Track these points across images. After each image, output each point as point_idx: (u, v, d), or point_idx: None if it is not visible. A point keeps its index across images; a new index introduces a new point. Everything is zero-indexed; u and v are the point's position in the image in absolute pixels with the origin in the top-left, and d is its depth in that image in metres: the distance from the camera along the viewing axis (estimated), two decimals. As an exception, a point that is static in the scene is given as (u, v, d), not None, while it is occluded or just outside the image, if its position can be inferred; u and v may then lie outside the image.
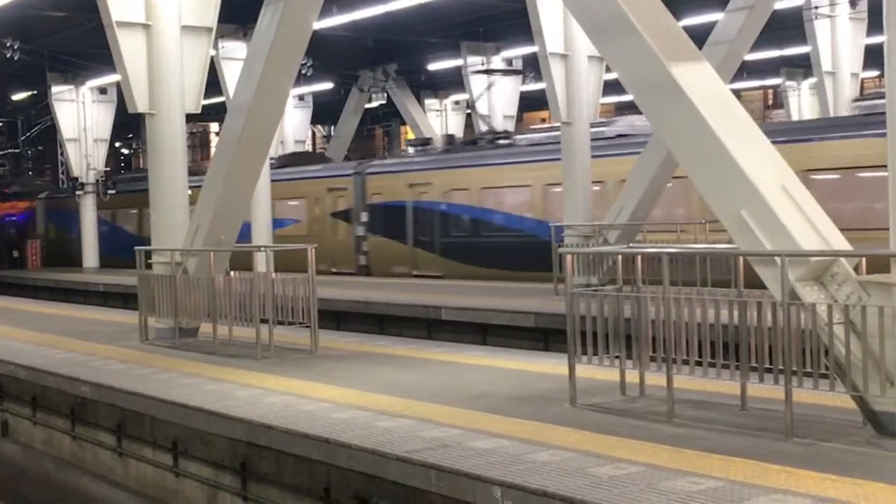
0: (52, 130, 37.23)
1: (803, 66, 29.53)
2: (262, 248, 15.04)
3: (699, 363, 7.94)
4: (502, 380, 10.28)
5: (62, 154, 37.29)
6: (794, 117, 31.62)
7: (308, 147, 39.39)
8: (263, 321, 12.26)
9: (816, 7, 23.75)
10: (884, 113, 7.31)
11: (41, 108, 36.93)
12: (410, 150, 30.60)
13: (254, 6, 13.44)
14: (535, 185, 23.05)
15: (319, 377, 10.80)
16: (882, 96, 11.35)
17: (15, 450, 13.05)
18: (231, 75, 23.52)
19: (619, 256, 9.27)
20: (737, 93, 32.56)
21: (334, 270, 27.80)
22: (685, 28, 8.87)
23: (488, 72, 29.96)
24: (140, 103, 13.83)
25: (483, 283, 22.91)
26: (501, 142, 26.58)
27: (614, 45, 8.73)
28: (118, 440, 10.94)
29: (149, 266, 14.26)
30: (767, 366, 7.55)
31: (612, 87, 23.09)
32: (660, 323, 8.09)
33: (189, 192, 14.44)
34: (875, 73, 32.92)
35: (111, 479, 11.03)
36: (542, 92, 20.03)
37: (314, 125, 44.63)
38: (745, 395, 8.27)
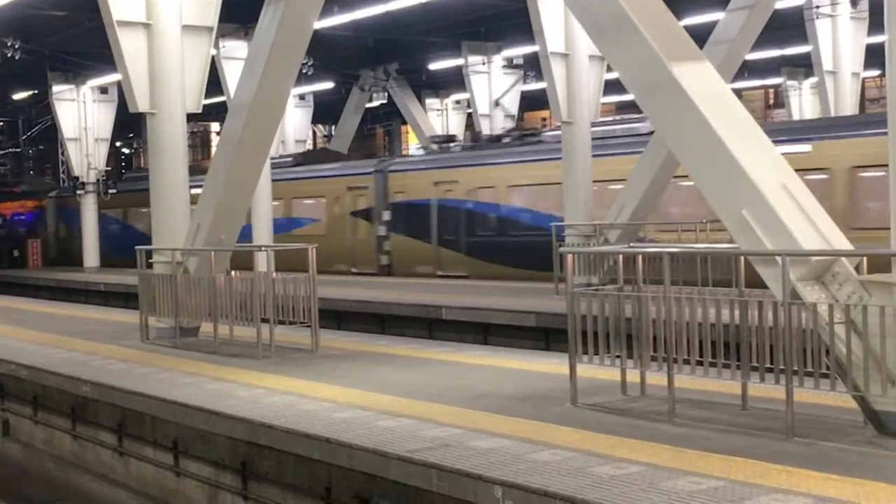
0: (52, 130, 37.23)
1: (804, 66, 29.54)
2: (263, 248, 15.03)
3: (700, 363, 7.94)
4: (503, 379, 10.28)
5: (63, 153, 37.28)
6: (796, 117, 31.62)
7: (309, 146, 39.35)
8: (264, 321, 12.27)
9: (817, 6, 23.75)
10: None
11: (42, 107, 36.93)
12: (434, 147, 30.03)
13: (255, 5, 13.44)
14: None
15: (320, 377, 10.80)
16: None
17: (16, 449, 13.06)
18: (232, 75, 23.52)
19: (620, 256, 9.25)
20: (738, 92, 32.58)
21: (354, 271, 27.40)
22: (686, 27, 8.86)
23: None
24: (141, 103, 13.83)
25: (483, 282, 22.93)
26: (529, 138, 25.96)
27: (615, 44, 8.73)
28: (119, 440, 10.95)
29: (150, 265, 14.26)
30: (768, 365, 7.54)
31: (613, 87, 23.08)
32: (661, 322, 8.09)
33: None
34: (876, 72, 32.92)
35: (112, 478, 11.04)
36: (543, 91, 20.02)
37: (315, 125, 44.64)
38: (745, 394, 8.27)
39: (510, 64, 30.37)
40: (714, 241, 15.26)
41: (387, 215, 27.10)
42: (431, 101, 37.17)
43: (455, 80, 33.26)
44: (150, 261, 14.28)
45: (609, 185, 20.10)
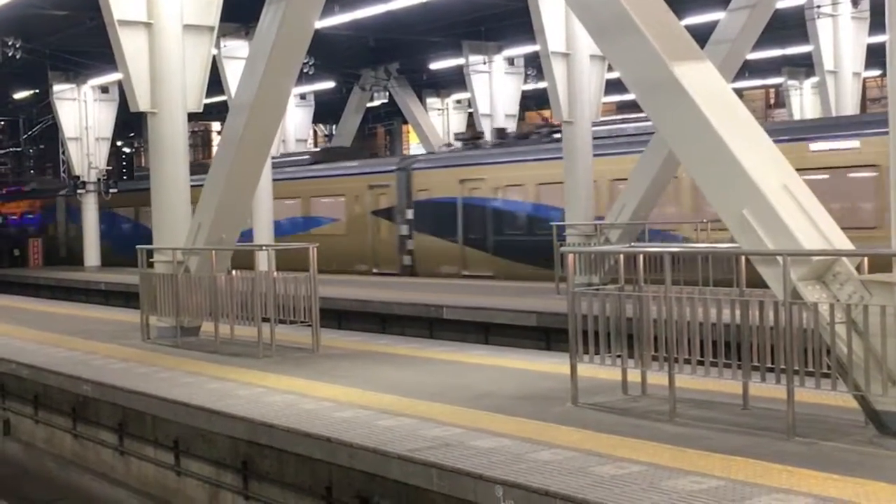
0: (53, 129, 37.24)
1: (805, 66, 29.56)
2: (264, 248, 15.03)
3: (701, 362, 7.94)
4: (504, 379, 10.28)
5: (64, 153, 37.28)
6: (797, 117, 31.62)
7: (310, 146, 39.34)
8: (265, 320, 12.27)
9: (818, 6, 23.75)
10: None
11: (43, 106, 36.93)
12: (459, 144, 29.41)
13: (256, 5, 13.43)
14: (599, 180, 21.13)
15: (321, 376, 10.80)
16: None
17: (17, 448, 13.06)
18: (233, 74, 23.52)
19: (621, 256, 9.25)
20: (739, 92, 32.60)
21: (376, 271, 26.80)
22: (687, 27, 8.87)
23: None
24: (142, 102, 13.83)
25: (484, 282, 22.92)
26: (558, 135, 24.61)
27: (616, 44, 8.73)
28: (120, 439, 10.95)
29: (150, 265, 14.26)
30: (769, 365, 7.54)
31: (613, 86, 23.07)
32: (661, 322, 8.09)
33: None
34: (877, 72, 32.93)
35: (113, 477, 11.04)
36: (544, 91, 20.01)
37: (316, 124, 44.68)
38: (746, 394, 8.27)
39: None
40: (715, 240, 15.26)
41: (410, 214, 26.49)
42: (432, 101, 37.20)
43: (456, 80, 33.28)
44: (150, 260, 14.28)
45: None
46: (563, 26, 18.61)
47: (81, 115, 32.70)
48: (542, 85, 24.69)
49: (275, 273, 12.30)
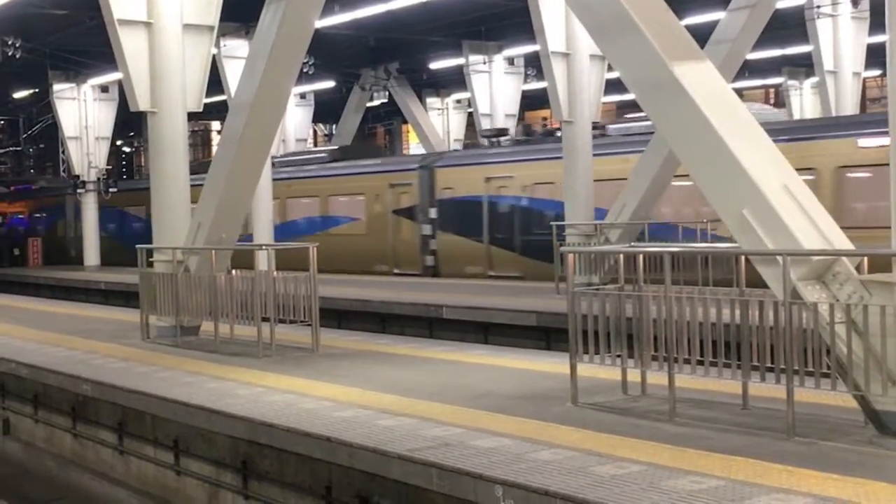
0: (53, 128, 37.22)
1: (805, 66, 29.56)
2: (264, 247, 15.03)
3: (701, 362, 7.94)
4: (504, 379, 10.28)
5: (63, 152, 37.27)
6: (796, 117, 31.61)
7: (309, 145, 39.32)
8: (265, 319, 12.27)
9: (818, 6, 23.75)
10: None
11: (42, 105, 36.92)
12: (484, 141, 28.64)
13: (256, 4, 13.43)
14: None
15: (321, 376, 10.80)
16: None
17: (16, 448, 13.06)
18: (233, 74, 23.53)
19: (621, 255, 9.26)
20: (739, 92, 32.56)
21: (397, 272, 26.16)
22: (687, 27, 8.87)
23: None
24: (142, 101, 13.83)
25: (484, 282, 22.92)
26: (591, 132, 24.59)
27: (616, 43, 8.73)
28: (119, 438, 10.95)
29: (150, 264, 14.27)
30: (769, 365, 7.55)
31: (614, 86, 23.07)
32: (661, 322, 8.09)
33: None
34: (877, 72, 32.93)
35: (112, 477, 11.04)
36: (544, 90, 20.01)
37: (316, 124, 44.66)
38: (746, 394, 8.27)
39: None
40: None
41: (433, 213, 25.79)
42: (432, 101, 37.18)
43: (456, 80, 33.27)
44: (150, 259, 14.28)
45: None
46: (563, 26, 18.62)
47: (81, 114, 32.70)
48: (542, 85, 24.63)
49: (274, 272, 12.30)
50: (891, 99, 7.25)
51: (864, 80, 27.52)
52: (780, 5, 19.59)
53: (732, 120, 7.99)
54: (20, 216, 42.72)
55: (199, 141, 58.10)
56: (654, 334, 8.19)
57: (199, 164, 29.20)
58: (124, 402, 10.69)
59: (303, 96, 33.89)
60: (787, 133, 18.23)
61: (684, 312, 7.96)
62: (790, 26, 25.05)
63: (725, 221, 7.95)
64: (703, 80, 8.16)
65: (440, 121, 36.88)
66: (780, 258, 7.35)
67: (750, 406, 8.26)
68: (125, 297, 25.06)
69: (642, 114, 22.55)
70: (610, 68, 18.91)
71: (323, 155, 30.77)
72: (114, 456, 11.08)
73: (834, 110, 24.06)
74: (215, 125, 53.46)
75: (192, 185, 14.39)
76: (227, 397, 9.72)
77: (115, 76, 29.70)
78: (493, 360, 11.60)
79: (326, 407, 9.05)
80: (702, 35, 14.06)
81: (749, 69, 30.56)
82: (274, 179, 29.80)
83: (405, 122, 40.84)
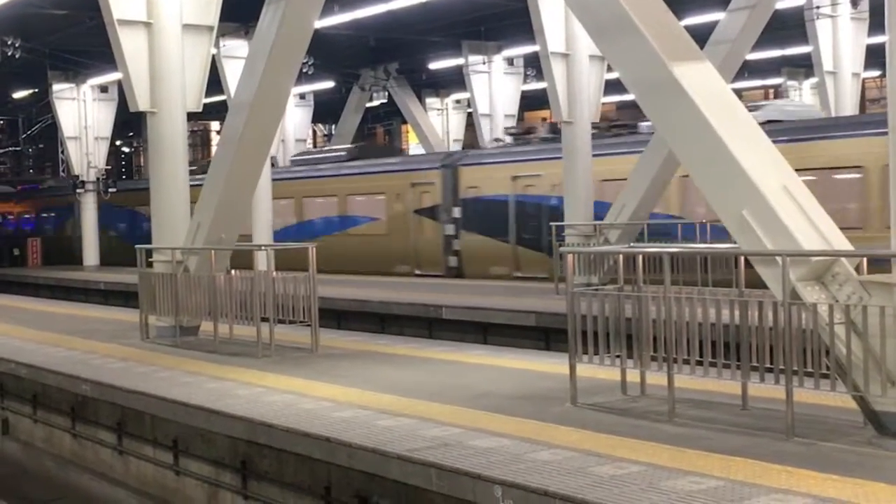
0: (52, 128, 37.21)
1: (804, 66, 29.57)
2: (263, 248, 15.03)
3: (700, 363, 7.94)
4: (503, 379, 10.28)
5: (63, 152, 37.27)
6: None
7: (309, 146, 39.30)
8: (264, 320, 12.27)
9: (818, 7, 23.75)
10: None
11: (42, 106, 36.92)
12: (508, 139, 28.09)
13: (255, 5, 13.44)
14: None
15: (320, 376, 10.80)
16: None
17: (15, 448, 13.06)
18: (232, 74, 23.54)
19: (621, 256, 9.26)
20: (738, 92, 32.54)
21: (418, 273, 25.65)
22: (687, 27, 8.87)
23: None
24: (141, 101, 13.84)
25: (484, 282, 22.90)
26: (621, 129, 23.55)
27: (616, 44, 8.73)
28: (119, 438, 10.95)
29: (150, 264, 14.27)
30: (768, 365, 7.55)
31: (613, 87, 23.07)
32: (661, 322, 8.09)
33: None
34: (876, 73, 32.94)
35: (112, 477, 11.03)
36: (544, 91, 20.02)
37: (315, 124, 44.68)
38: (745, 394, 8.27)
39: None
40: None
41: (456, 213, 25.19)
42: (432, 101, 37.18)
43: (455, 80, 33.27)
44: (150, 260, 14.28)
45: None
46: (563, 27, 18.62)
47: (81, 114, 32.70)
48: (541, 85, 24.62)
49: (274, 273, 12.30)
50: (890, 100, 7.25)
51: (864, 80, 27.52)
52: (779, 6, 19.59)
53: (732, 120, 7.99)
54: (27, 216, 42.61)
55: (199, 141, 58.10)
56: (654, 335, 8.19)
57: (199, 164, 29.15)
58: (123, 403, 10.69)
59: (302, 96, 33.89)
60: (830, 130, 17.97)
61: (684, 313, 7.96)
62: (790, 27, 25.06)
63: (725, 222, 7.95)
64: (702, 80, 8.16)
65: (440, 121, 36.87)
66: (779, 259, 7.35)
67: (749, 406, 8.27)
68: (124, 297, 25.06)
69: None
70: (609, 69, 18.91)
71: (341, 153, 30.34)
72: (113, 456, 11.08)
73: (833, 111, 24.05)
74: (215, 125, 53.45)
75: (191, 186, 14.40)
76: (227, 397, 9.72)
77: (114, 76, 29.70)
78: (492, 360, 11.60)
79: (325, 407, 9.05)
80: (701, 35, 14.06)
81: (749, 70, 30.57)
82: (290, 179, 29.40)
83: (404, 122, 40.83)
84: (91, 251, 34.07)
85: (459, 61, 30.99)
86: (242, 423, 8.86)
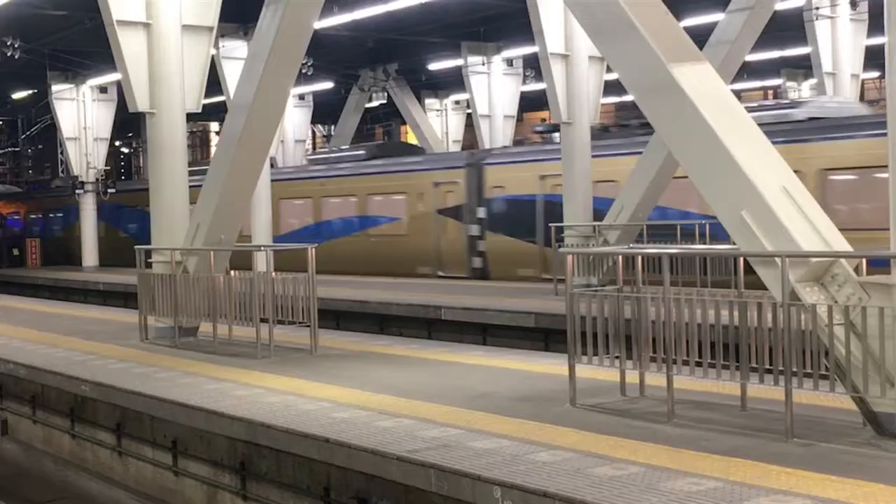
0: (52, 129, 37.20)
1: (804, 67, 29.57)
2: (263, 248, 15.03)
3: (699, 364, 7.95)
4: (502, 380, 10.28)
5: (62, 153, 37.25)
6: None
7: (308, 146, 39.27)
8: (263, 320, 12.27)
9: (817, 8, 23.77)
10: None
11: (41, 106, 36.91)
12: (537, 137, 27.51)
13: (255, 5, 13.44)
14: None
15: (319, 376, 10.80)
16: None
17: (14, 449, 13.05)
18: (232, 74, 23.53)
19: (620, 257, 9.26)
20: (737, 93, 32.60)
21: (441, 274, 25.09)
22: (686, 28, 8.87)
23: None
24: (140, 102, 13.84)
25: (483, 282, 22.90)
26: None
27: (615, 45, 8.73)
28: (118, 439, 10.95)
29: (149, 265, 14.26)
30: (768, 366, 7.55)
31: (613, 88, 23.07)
32: (660, 323, 8.09)
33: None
34: (876, 74, 32.94)
35: (111, 478, 11.03)
36: (543, 92, 20.02)
37: (314, 124, 44.66)
38: (745, 395, 8.28)
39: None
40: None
41: (481, 213, 24.59)
42: (431, 102, 37.15)
43: (454, 81, 33.27)
44: (149, 260, 14.28)
45: None
46: (562, 27, 18.62)
47: (80, 115, 32.70)
48: (540, 86, 24.61)
49: (273, 273, 12.30)
50: (889, 101, 7.25)
51: (863, 81, 27.52)
52: (778, 7, 19.59)
53: (731, 122, 8.00)
54: (37, 215, 42.56)
55: (198, 142, 58.10)
56: (653, 336, 8.19)
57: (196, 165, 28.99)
58: (123, 403, 10.68)
59: (301, 97, 33.86)
60: (881, 126, 17.63)
61: (683, 314, 7.97)
62: (789, 28, 25.06)
63: (724, 223, 7.95)
64: (701, 81, 8.16)
65: (439, 122, 36.87)
66: (778, 260, 7.36)
67: (748, 407, 8.27)
68: (123, 297, 25.05)
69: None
70: (609, 70, 18.91)
71: (360, 152, 29.94)
72: (112, 457, 11.08)
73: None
74: (214, 126, 53.45)
75: (190, 187, 14.40)
76: (226, 398, 9.72)
77: (113, 77, 29.71)
78: (491, 361, 11.60)
79: (325, 408, 9.05)
80: (701, 36, 14.07)
81: (748, 71, 30.56)
82: (307, 178, 29.11)
83: (403, 123, 40.82)
84: (90, 252, 34.04)
85: (459, 62, 30.99)
86: (241, 423, 8.86)
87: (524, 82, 31.58)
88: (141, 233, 34.17)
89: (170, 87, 13.82)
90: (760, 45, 19.41)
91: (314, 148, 48.92)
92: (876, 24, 22.47)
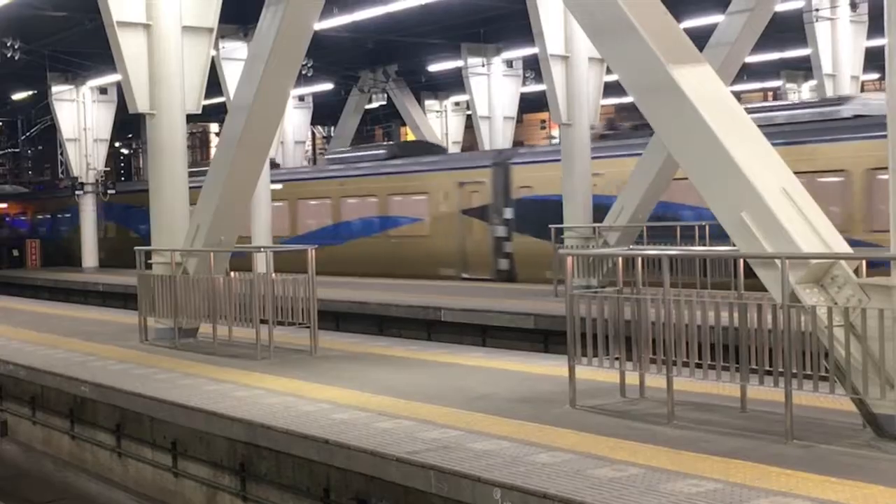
0: (52, 130, 37.18)
1: (804, 69, 29.58)
2: (263, 249, 15.03)
3: (699, 365, 7.95)
4: (502, 381, 10.28)
5: (62, 154, 37.23)
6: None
7: (308, 148, 39.25)
8: (263, 322, 12.27)
9: (817, 9, 23.77)
10: None
11: (41, 107, 36.90)
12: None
13: (255, 7, 13.45)
14: None
15: (319, 378, 10.80)
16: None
17: (14, 449, 13.04)
18: (232, 76, 23.51)
19: (620, 258, 9.26)
20: (737, 95, 32.59)
21: (465, 276, 24.52)
22: (686, 30, 8.88)
23: None
24: (140, 103, 13.84)
25: (483, 283, 22.89)
26: None
27: (615, 46, 8.73)
28: (117, 440, 10.94)
29: (149, 266, 14.26)
30: (767, 368, 7.55)
31: (612, 89, 23.06)
32: (660, 325, 8.09)
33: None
34: (875, 75, 32.94)
35: (110, 479, 11.03)
36: (543, 93, 20.03)
37: (314, 126, 44.66)
38: (745, 397, 8.27)
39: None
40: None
41: (508, 213, 24.03)
42: (431, 103, 37.15)
43: (454, 82, 33.27)
44: (149, 261, 14.28)
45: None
46: (562, 29, 18.63)
47: (80, 116, 32.69)
48: (540, 87, 24.60)
49: (273, 274, 12.30)
50: (890, 101, 7.25)
51: (863, 83, 27.53)
52: (778, 8, 19.58)
53: (731, 123, 8.00)
54: (45, 215, 42.51)
55: (198, 143, 58.10)
56: (653, 337, 8.19)
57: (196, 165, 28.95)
58: (122, 404, 10.68)
59: (301, 98, 33.89)
60: None
61: (683, 315, 7.97)
62: (789, 29, 25.06)
63: (724, 224, 7.95)
64: (701, 83, 8.16)
65: (439, 123, 36.88)
66: (778, 261, 7.36)
67: (748, 409, 8.27)
68: (123, 298, 25.05)
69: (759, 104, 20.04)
70: (609, 71, 18.92)
71: (381, 151, 29.56)
72: (112, 458, 11.08)
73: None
74: (214, 127, 53.45)
75: (190, 188, 14.40)
76: (226, 399, 9.72)
77: (113, 78, 29.70)
78: (491, 362, 11.60)
79: (324, 409, 9.05)
80: (700, 38, 14.08)
81: (748, 72, 30.58)
82: (325, 178, 28.85)
83: (403, 124, 40.82)
84: (90, 253, 34.03)
85: (458, 63, 30.99)
86: (241, 424, 8.85)
87: (524, 84, 31.58)
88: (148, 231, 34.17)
89: (170, 89, 13.82)
90: (760, 46, 19.41)
91: (314, 149, 48.94)
92: (876, 25, 22.48)
